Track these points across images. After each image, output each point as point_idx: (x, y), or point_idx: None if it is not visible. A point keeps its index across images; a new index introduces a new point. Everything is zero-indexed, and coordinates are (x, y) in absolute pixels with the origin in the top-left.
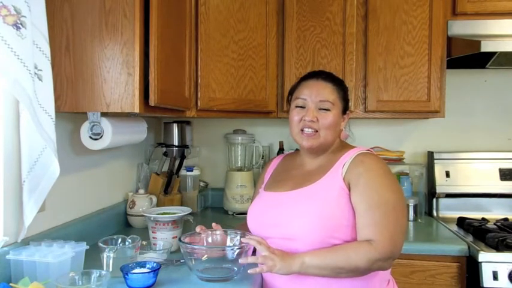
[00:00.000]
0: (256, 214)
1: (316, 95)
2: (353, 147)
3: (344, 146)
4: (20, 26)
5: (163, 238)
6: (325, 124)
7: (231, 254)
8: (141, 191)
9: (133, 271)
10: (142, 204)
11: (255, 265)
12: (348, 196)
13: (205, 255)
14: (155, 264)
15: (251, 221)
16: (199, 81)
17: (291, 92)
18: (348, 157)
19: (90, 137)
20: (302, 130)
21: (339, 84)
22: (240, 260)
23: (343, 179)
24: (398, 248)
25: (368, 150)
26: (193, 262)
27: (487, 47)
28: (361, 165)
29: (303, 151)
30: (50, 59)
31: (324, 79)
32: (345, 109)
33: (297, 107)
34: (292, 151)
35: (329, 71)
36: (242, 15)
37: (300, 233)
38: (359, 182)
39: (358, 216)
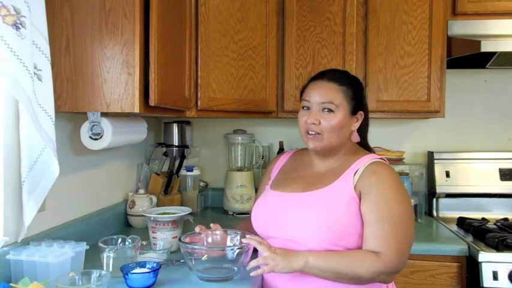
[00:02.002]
0: (262, 213)
1: (319, 96)
2: (366, 153)
3: (356, 151)
4: (19, 26)
5: (163, 238)
6: (327, 127)
7: (231, 254)
8: (141, 191)
9: (133, 271)
10: (142, 204)
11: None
12: (358, 205)
13: (205, 255)
14: (155, 264)
15: (256, 219)
16: (199, 81)
17: (302, 92)
18: (360, 164)
19: (90, 137)
20: (308, 132)
21: (347, 84)
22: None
23: (354, 187)
24: (404, 262)
25: (381, 158)
26: (193, 262)
27: (487, 47)
28: (374, 176)
29: (311, 152)
30: (49, 59)
31: (329, 79)
32: (356, 109)
33: (303, 108)
34: (296, 149)
35: (342, 70)
36: (242, 15)
37: (305, 237)
38: (370, 192)
39: (367, 226)
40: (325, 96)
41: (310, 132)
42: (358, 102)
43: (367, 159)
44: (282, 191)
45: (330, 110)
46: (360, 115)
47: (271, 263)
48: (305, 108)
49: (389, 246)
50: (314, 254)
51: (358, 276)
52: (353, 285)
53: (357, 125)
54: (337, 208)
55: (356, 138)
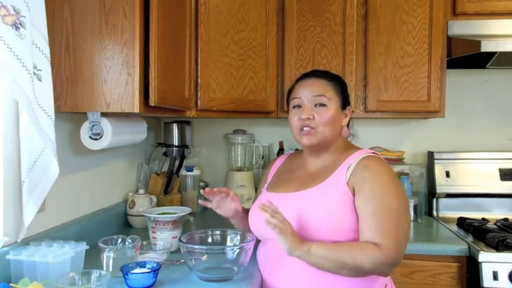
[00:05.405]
0: (258, 215)
1: (310, 91)
2: (358, 148)
3: (349, 147)
4: (19, 26)
5: (163, 238)
6: (322, 120)
7: (231, 254)
8: (141, 191)
9: (133, 271)
10: (143, 204)
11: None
12: (352, 201)
13: (205, 255)
14: (155, 264)
15: (252, 221)
16: (199, 81)
17: (289, 93)
18: (352, 160)
19: (90, 137)
20: (302, 129)
21: (334, 79)
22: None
23: (347, 183)
24: (402, 254)
25: (374, 152)
26: (193, 262)
27: (487, 47)
28: (366, 170)
29: (305, 150)
30: (49, 59)
31: (317, 76)
32: (345, 104)
33: (294, 107)
34: (292, 151)
35: (324, 69)
36: (242, 15)
37: (300, 236)
38: (364, 187)
39: (363, 219)
40: (316, 90)
41: (304, 129)
42: (345, 97)
43: (360, 154)
44: (277, 192)
45: (322, 104)
46: (349, 110)
47: (279, 224)
48: (296, 107)
49: (387, 237)
50: (317, 243)
51: (358, 266)
52: (353, 284)
53: (346, 120)
54: (332, 205)
55: (346, 132)
